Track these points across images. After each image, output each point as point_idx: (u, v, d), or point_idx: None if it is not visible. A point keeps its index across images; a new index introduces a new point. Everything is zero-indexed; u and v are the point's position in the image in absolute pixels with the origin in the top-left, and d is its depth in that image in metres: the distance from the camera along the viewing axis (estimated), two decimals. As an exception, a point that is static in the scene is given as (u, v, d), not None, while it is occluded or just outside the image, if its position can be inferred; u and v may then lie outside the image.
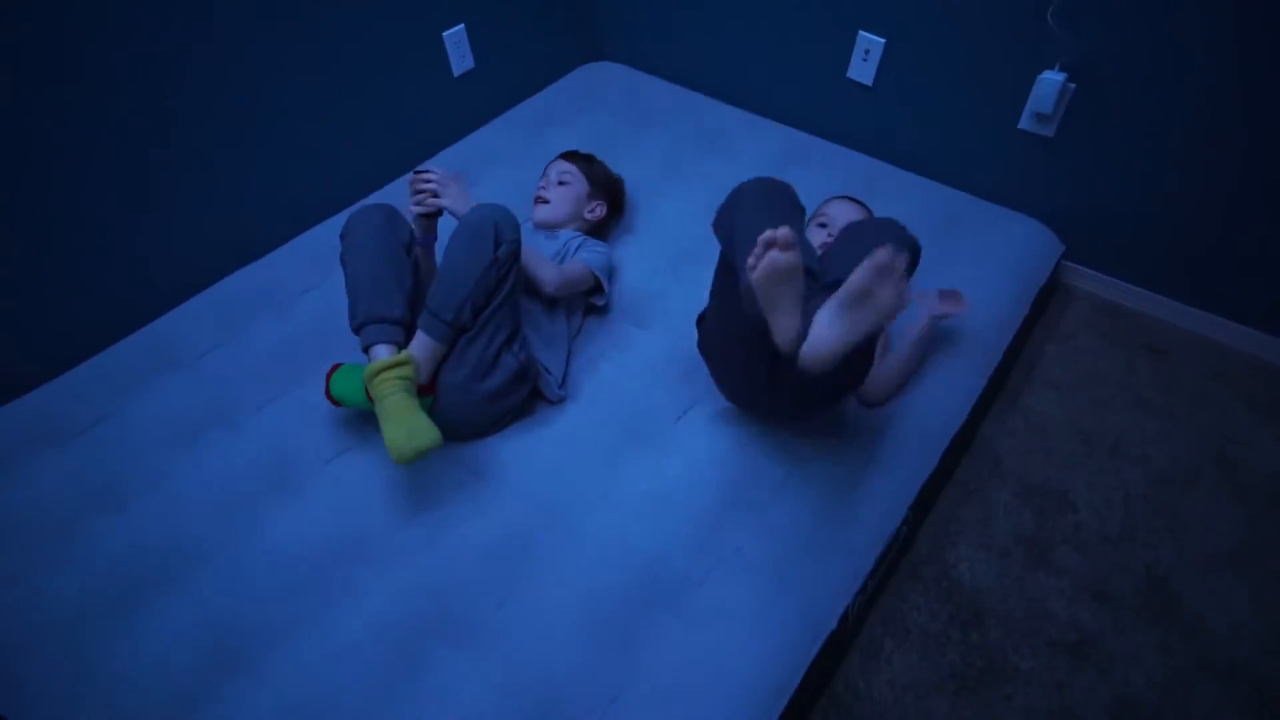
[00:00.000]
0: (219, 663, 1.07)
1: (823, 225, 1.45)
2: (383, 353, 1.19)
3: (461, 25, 1.88)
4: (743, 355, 1.16)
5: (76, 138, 1.34)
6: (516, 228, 1.24)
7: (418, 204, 1.34)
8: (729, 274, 1.11)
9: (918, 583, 1.33)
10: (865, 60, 1.80)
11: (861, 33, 1.77)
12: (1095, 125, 1.59)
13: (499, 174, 1.85)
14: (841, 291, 0.88)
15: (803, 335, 0.94)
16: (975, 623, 1.28)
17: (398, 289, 1.24)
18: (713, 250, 1.63)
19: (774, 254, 0.89)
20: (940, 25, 1.65)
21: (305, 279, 1.61)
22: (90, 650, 1.08)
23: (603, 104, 2.09)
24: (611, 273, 1.55)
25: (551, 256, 1.46)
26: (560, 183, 1.56)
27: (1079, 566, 1.34)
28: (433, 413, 1.23)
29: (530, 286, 1.38)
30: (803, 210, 1.14)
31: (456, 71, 1.93)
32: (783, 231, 0.88)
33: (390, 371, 1.15)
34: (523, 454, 1.30)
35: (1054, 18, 1.48)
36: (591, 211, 1.59)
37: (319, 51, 1.62)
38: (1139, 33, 1.44)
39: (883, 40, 1.74)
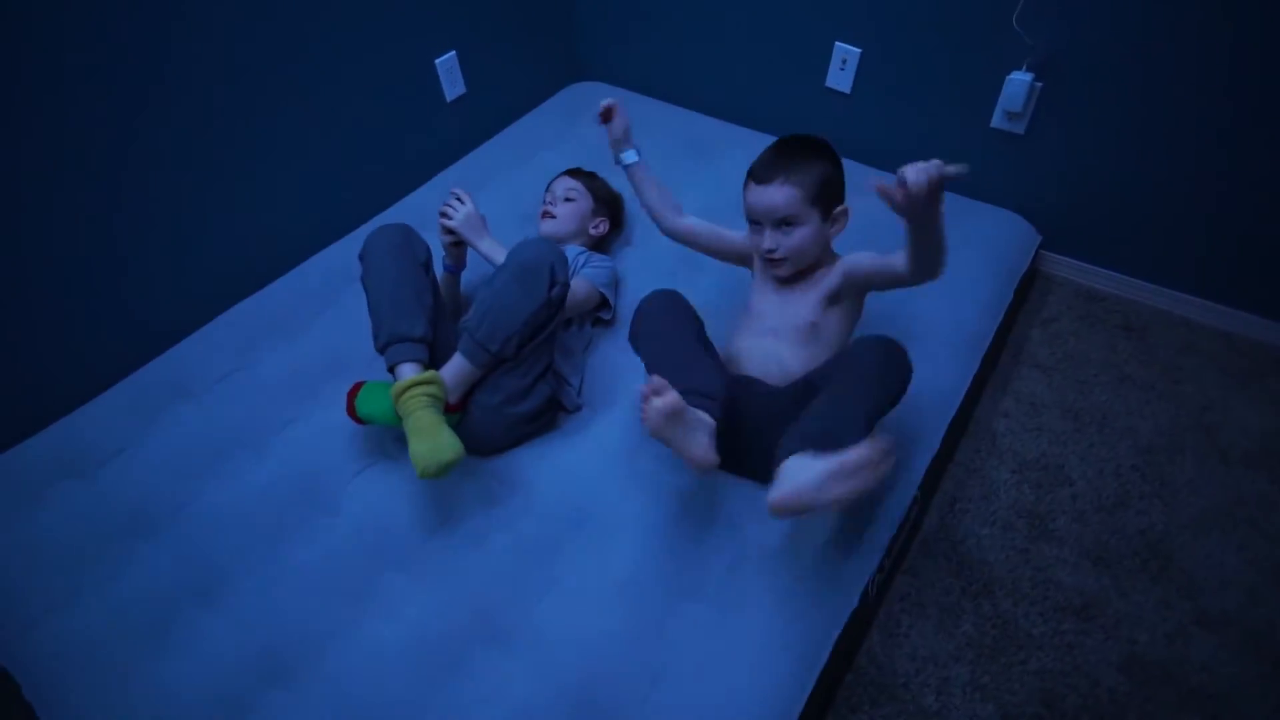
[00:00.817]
0: (261, 675, 1.09)
1: (756, 222, 1.26)
2: (408, 371, 1.22)
3: (453, 52, 1.94)
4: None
5: (80, 168, 1.36)
6: (568, 268, 1.27)
7: (441, 226, 1.44)
8: None
9: (929, 559, 1.39)
10: (843, 69, 1.89)
11: (838, 44, 1.86)
12: (1062, 121, 1.69)
13: (495, 194, 1.90)
14: (834, 462, 0.91)
15: (711, 450, 1.04)
16: (986, 594, 1.34)
17: (419, 307, 1.27)
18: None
19: (655, 401, 0.97)
20: (913, 34, 1.74)
21: (314, 303, 1.64)
22: (132, 671, 1.09)
23: (590, 122, 2.15)
24: (616, 285, 1.60)
25: None
26: (566, 199, 1.62)
27: (1079, 535, 1.41)
28: (460, 429, 1.26)
29: None
30: (696, 318, 1.23)
31: (449, 97, 1.98)
32: (654, 381, 0.98)
33: (417, 389, 1.18)
34: (545, 459, 1.34)
35: (1019, 21, 1.58)
36: (595, 227, 1.65)
37: (318, 80, 1.66)
38: (1099, 31, 1.55)
39: (859, 50, 1.84)
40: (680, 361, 1.14)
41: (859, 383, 1.06)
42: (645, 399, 0.98)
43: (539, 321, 1.24)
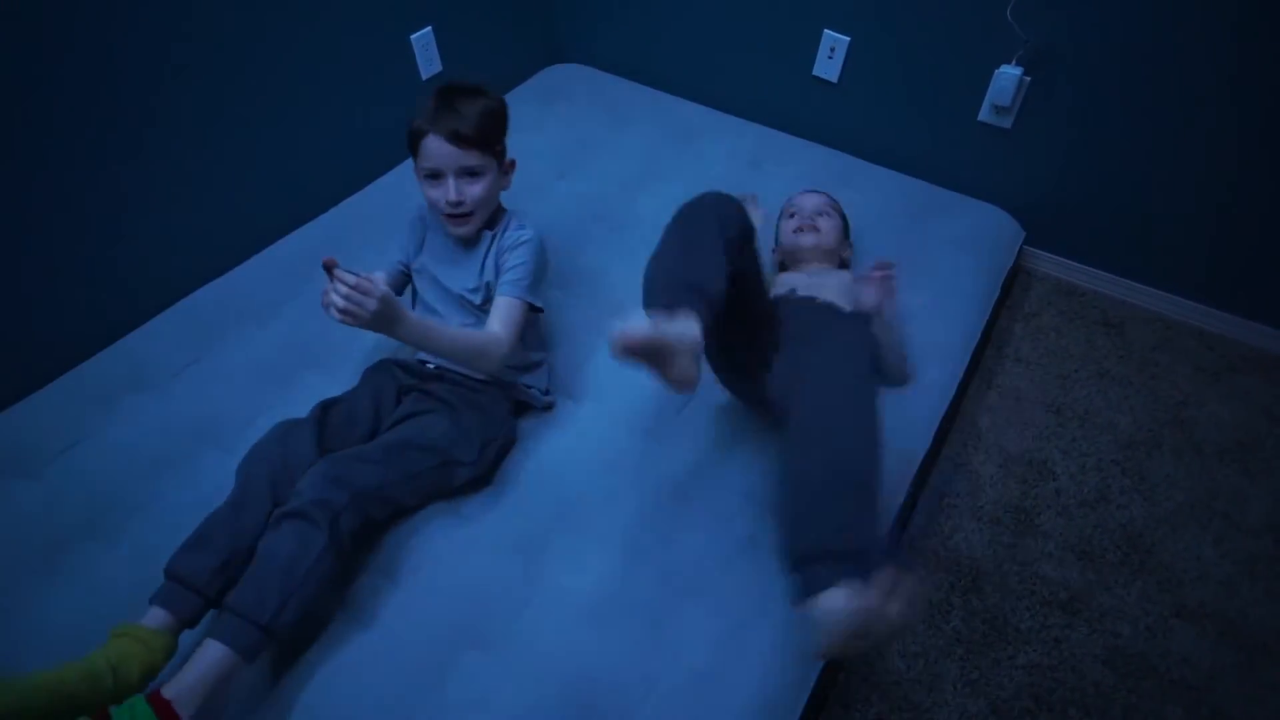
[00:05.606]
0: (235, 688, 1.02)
1: (792, 215, 1.53)
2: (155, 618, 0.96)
3: (429, 28, 1.86)
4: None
5: (39, 149, 1.26)
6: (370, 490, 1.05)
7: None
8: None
9: (918, 555, 1.39)
10: (830, 58, 1.86)
11: (826, 31, 1.83)
12: (1048, 116, 1.69)
13: (473, 177, 1.83)
14: (869, 600, 0.78)
15: (691, 369, 0.88)
16: (974, 589, 1.34)
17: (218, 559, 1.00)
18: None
19: (621, 337, 0.85)
20: (903, 23, 1.72)
21: (277, 291, 1.55)
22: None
23: (571, 105, 2.10)
24: (542, 267, 1.25)
25: (471, 289, 1.23)
26: (471, 178, 1.17)
27: (1063, 530, 1.42)
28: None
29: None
30: (741, 223, 1.05)
31: (425, 75, 1.90)
32: (628, 329, 0.85)
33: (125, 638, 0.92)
34: (528, 454, 1.29)
35: (1013, 15, 1.57)
36: (505, 174, 1.25)
37: (286, 56, 1.57)
38: (1091, 29, 1.55)
39: (847, 38, 1.81)
40: (683, 252, 0.99)
41: (859, 480, 0.89)
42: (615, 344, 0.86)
43: (325, 574, 0.99)
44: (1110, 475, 1.51)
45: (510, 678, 1.03)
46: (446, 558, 1.16)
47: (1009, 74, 1.64)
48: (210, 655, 0.90)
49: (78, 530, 1.17)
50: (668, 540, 1.18)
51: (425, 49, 1.87)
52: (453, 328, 1.19)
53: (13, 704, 0.81)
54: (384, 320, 1.02)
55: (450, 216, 1.19)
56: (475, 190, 1.17)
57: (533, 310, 1.23)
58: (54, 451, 1.26)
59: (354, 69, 1.72)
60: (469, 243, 1.25)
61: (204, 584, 0.99)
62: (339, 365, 1.40)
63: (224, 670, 0.90)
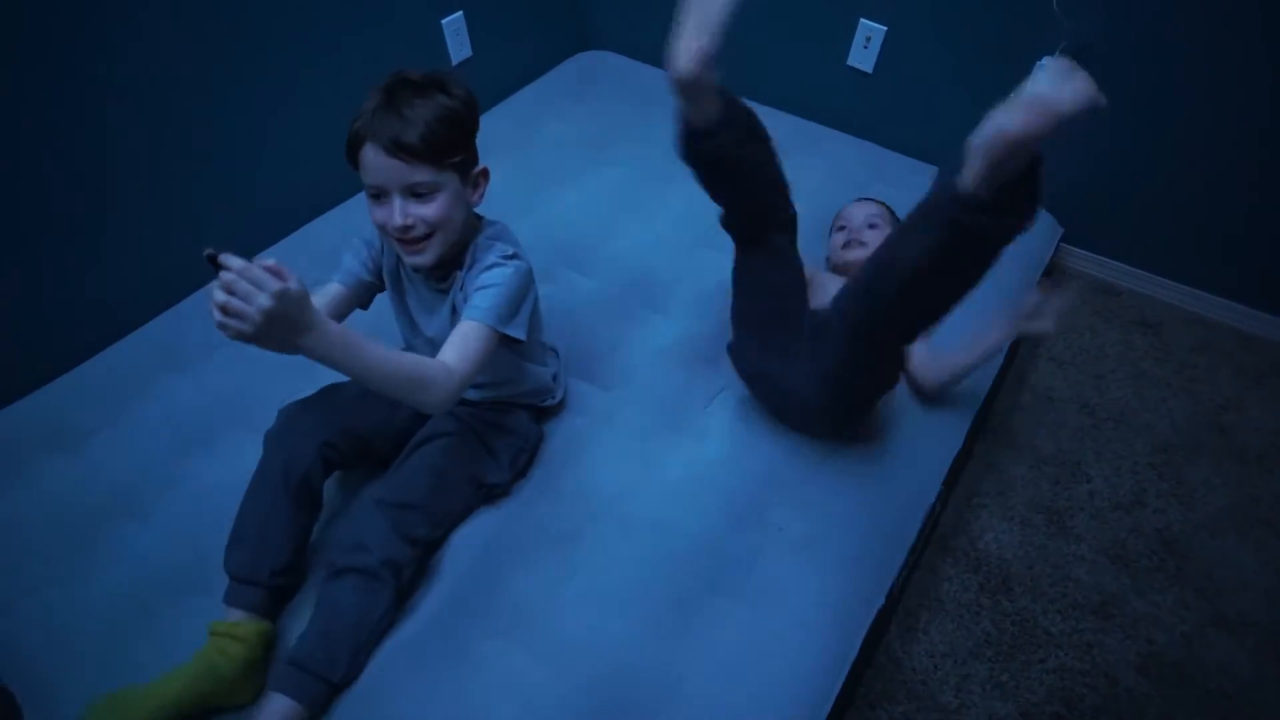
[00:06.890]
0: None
1: (842, 228, 1.46)
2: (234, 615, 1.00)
3: (460, 13, 1.85)
4: (782, 338, 1.17)
5: (77, 132, 1.27)
6: (410, 537, 1.04)
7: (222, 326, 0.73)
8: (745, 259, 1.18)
9: (947, 555, 1.37)
10: (866, 48, 1.83)
11: (863, 20, 1.80)
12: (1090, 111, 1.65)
13: (501, 164, 1.78)
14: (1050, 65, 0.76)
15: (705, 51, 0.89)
16: (1004, 590, 1.32)
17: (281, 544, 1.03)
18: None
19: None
20: (943, 12, 1.69)
21: (313, 272, 1.50)
22: (119, 659, 1.03)
23: (600, 92, 2.08)
24: (522, 295, 1.03)
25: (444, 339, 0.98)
26: (421, 198, 0.95)
27: (1096, 533, 1.40)
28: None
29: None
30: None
31: (455, 59, 1.90)
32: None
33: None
34: (557, 443, 1.28)
35: (1059, 5, 1.53)
36: (473, 194, 1.03)
37: (318, 39, 1.57)
38: (1135, 19, 1.50)
39: (884, 28, 1.78)
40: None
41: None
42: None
43: (386, 623, 1.01)
44: (1146, 479, 1.48)
45: (540, 666, 1.03)
46: (474, 548, 1.16)
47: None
48: (277, 708, 0.91)
49: (114, 506, 1.18)
50: (698, 533, 1.17)
51: (456, 33, 1.86)
52: (390, 350, 0.88)
53: (151, 715, 0.88)
54: (283, 324, 0.73)
55: (401, 242, 0.98)
56: (426, 212, 0.94)
57: (508, 342, 1.01)
58: (90, 428, 1.28)
59: (384, 53, 1.71)
60: (441, 285, 1.07)
61: (251, 573, 1.02)
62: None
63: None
